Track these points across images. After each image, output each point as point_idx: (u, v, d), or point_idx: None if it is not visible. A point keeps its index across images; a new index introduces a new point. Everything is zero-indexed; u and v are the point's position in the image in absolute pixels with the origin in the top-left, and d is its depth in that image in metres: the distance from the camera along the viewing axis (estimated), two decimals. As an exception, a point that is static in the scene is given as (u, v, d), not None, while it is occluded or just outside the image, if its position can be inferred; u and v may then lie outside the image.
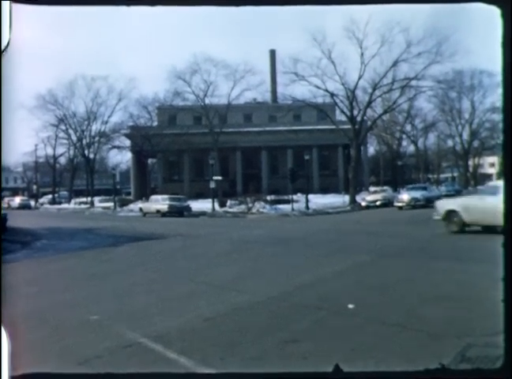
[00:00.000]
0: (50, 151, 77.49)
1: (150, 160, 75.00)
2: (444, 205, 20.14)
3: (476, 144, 79.09)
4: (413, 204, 38.61)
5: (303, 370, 5.33)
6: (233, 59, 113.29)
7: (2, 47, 3.72)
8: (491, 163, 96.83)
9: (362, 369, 5.17)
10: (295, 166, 54.85)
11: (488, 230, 16.69)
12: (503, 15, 3.87)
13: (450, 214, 19.16)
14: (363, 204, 45.03)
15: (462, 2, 4.20)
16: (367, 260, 13.48)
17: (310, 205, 43.59)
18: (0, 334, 3.94)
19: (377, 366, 5.33)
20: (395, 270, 11.81)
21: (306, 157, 48.53)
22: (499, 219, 11.75)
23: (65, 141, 76.45)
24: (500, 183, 23.17)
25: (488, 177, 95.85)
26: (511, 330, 4.03)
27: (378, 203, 44.01)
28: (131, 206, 55.52)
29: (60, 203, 75.75)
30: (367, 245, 16.91)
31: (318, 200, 48.43)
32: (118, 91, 69.55)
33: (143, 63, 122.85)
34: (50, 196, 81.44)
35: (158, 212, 41.71)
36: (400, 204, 39.13)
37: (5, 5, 3.74)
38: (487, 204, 17.01)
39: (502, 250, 3.93)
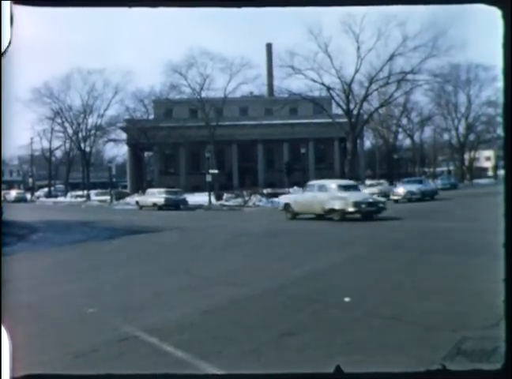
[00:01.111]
0: (46, 144, 77.44)
1: (146, 153, 74.95)
2: (282, 200, 29.11)
3: (471, 137, 79.34)
4: (409, 198, 38.64)
5: (299, 363, 5.34)
6: (229, 52, 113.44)
7: (3, 48, 3.71)
8: (486, 157, 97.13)
9: (357, 362, 5.18)
10: (292, 160, 54.98)
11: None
12: (504, 16, 3.86)
13: (286, 206, 26.67)
14: (359, 197, 45.08)
15: (463, 3, 4.19)
16: (364, 252, 13.50)
17: (307, 199, 43.54)
18: (0, 331, 3.93)
19: (372, 359, 5.35)
20: (391, 262, 11.83)
21: (303, 150, 48.59)
22: (315, 209, 22.81)
23: (61, 134, 76.41)
24: (317, 182, 27.17)
25: (484, 170, 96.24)
26: (511, 330, 4.04)
27: (374, 196, 44.03)
28: (127, 199, 55.44)
29: (56, 196, 75.64)
30: (362, 238, 16.93)
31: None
32: (114, 84, 69.48)
33: (139, 56, 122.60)
34: (46, 189, 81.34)
35: (154, 205, 41.70)
36: (395, 198, 39.14)
37: (5, 5, 3.72)
38: (307, 198, 25.29)
39: (503, 250, 3.93)
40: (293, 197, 28.53)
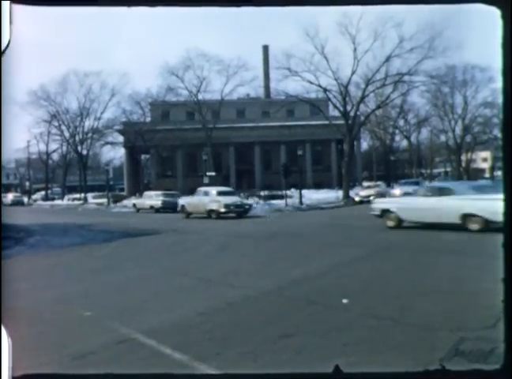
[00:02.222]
0: (42, 147, 77.22)
1: (143, 156, 74.93)
2: (180, 202, 35.20)
3: (468, 138, 79.31)
4: None
5: (297, 364, 5.35)
6: (226, 54, 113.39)
7: (2, 48, 3.70)
8: (483, 158, 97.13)
9: (355, 363, 5.19)
10: (289, 162, 54.83)
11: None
12: (503, 16, 3.87)
13: (182, 207, 33.63)
14: (357, 199, 45.04)
15: (462, 3, 4.20)
16: (360, 254, 13.51)
17: (304, 201, 43.61)
18: (0, 333, 3.93)
19: (370, 360, 5.35)
20: (388, 264, 11.85)
21: (300, 152, 48.52)
22: (200, 210, 29.73)
23: (57, 137, 76.15)
24: (203, 189, 32.99)
25: (481, 171, 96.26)
26: (511, 331, 4.04)
27: (371, 198, 43.92)
28: (124, 202, 55.39)
29: (53, 199, 75.51)
30: (359, 240, 16.95)
31: (311, 196, 48.44)
32: (110, 86, 69.22)
33: (136, 59, 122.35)
34: (43, 192, 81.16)
35: (151, 207, 41.70)
36: None
37: (5, 5, 3.72)
38: (195, 201, 32.40)
39: (503, 250, 3.93)
40: (187, 200, 34.80)
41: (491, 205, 15.17)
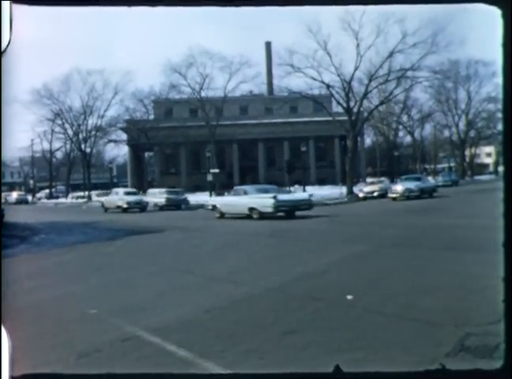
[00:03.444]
0: (46, 145, 77.29)
1: (147, 154, 74.94)
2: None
3: (472, 134, 79.23)
4: (407, 195, 37.86)
5: (302, 361, 5.34)
6: (229, 51, 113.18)
7: (2, 48, 3.70)
8: (487, 153, 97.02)
9: (360, 360, 5.18)
10: (292, 158, 54.96)
11: None
12: (504, 16, 3.85)
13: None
14: (361, 195, 44.95)
15: (462, 3, 4.18)
16: (365, 250, 13.49)
17: (308, 197, 43.49)
18: (0, 332, 3.93)
19: (375, 357, 5.35)
20: (393, 260, 11.83)
21: (303, 149, 48.56)
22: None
23: (61, 136, 76.22)
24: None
25: (485, 166, 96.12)
26: (511, 331, 4.03)
27: (375, 194, 43.92)
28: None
29: (57, 197, 75.66)
30: (363, 236, 16.93)
31: (315, 192, 48.33)
32: (113, 84, 69.16)
33: (138, 56, 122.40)
34: (47, 190, 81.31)
35: (156, 205, 41.75)
36: (394, 195, 38.52)
37: (5, 5, 3.72)
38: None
39: (503, 250, 3.92)
40: (106, 198, 44.72)
41: (263, 202, 25.56)
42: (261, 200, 25.87)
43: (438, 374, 4.27)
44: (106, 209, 41.96)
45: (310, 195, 29.83)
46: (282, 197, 26.53)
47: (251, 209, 25.95)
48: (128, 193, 42.65)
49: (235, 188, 31.69)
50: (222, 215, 28.30)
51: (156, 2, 4.05)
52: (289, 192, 32.50)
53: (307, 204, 27.54)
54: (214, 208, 29.58)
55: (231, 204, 28.02)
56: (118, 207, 40.13)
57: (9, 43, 3.69)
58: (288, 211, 26.13)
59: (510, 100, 3.91)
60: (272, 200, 25.14)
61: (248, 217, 25.95)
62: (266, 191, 27.33)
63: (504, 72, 3.88)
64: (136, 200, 41.21)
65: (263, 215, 25.26)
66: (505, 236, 3.91)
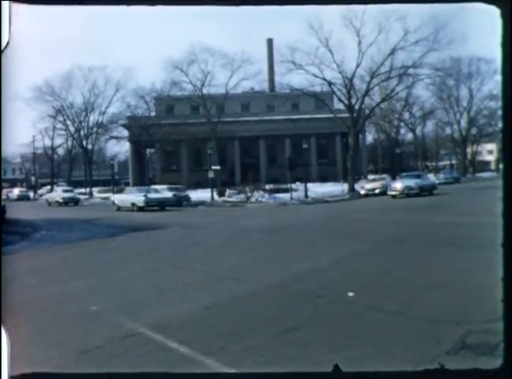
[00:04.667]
0: (48, 142, 77.25)
1: (148, 150, 74.89)
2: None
3: (474, 131, 79.14)
4: (407, 193, 37.44)
5: (303, 358, 5.35)
6: (230, 48, 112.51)
7: (2, 47, 3.70)
8: (489, 150, 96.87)
9: (362, 357, 5.19)
10: (294, 155, 54.82)
11: None
12: (503, 15, 3.84)
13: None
14: (362, 192, 44.87)
15: (461, 2, 4.16)
16: (366, 247, 13.51)
17: (309, 194, 43.55)
18: (0, 330, 3.94)
19: (377, 353, 5.36)
20: (394, 257, 11.84)
21: (305, 146, 48.43)
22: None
23: (62, 132, 76.26)
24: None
25: (486, 164, 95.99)
26: (511, 330, 4.03)
27: (376, 191, 43.81)
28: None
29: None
30: (365, 233, 16.94)
31: (316, 189, 48.38)
32: (115, 81, 69.13)
33: (140, 53, 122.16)
34: (48, 187, 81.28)
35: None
36: (393, 193, 38.16)
37: (5, 5, 3.72)
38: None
39: (502, 250, 3.92)
40: (50, 194, 55.56)
41: (138, 199, 35.52)
42: (137, 197, 35.78)
43: (437, 374, 4.27)
44: (49, 204, 49.63)
45: (174, 195, 39.73)
46: (151, 195, 36.48)
47: (132, 204, 35.49)
48: (65, 191, 51.81)
49: (126, 188, 45.19)
50: (119, 208, 36.99)
51: (156, 1, 4.04)
52: (159, 192, 39.36)
53: (172, 201, 37.60)
54: (114, 203, 39.57)
55: (122, 199, 38.08)
56: (56, 202, 49.09)
57: (8, 41, 3.69)
58: (157, 205, 35.46)
59: (509, 99, 3.90)
60: (143, 198, 35.27)
61: (131, 209, 35.02)
62: (142, 191, 37.74)
63: (503, 71, 3.88)
64: (70, 196, 50.26)
65: (140, 208, 34.66)
66: (504, 236, 3.90)
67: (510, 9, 3.80)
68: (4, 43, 3.69)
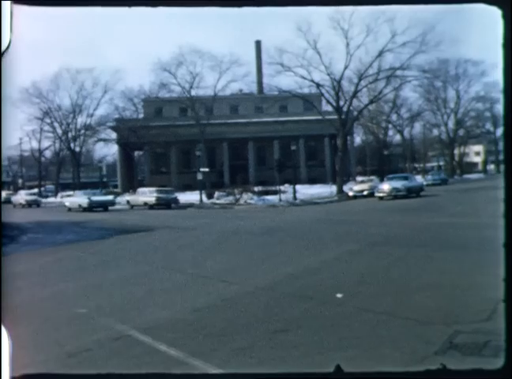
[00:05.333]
0: (35, 144, 76.85)
1: (137, 153, 74.75)
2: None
3: (461, 132, 79.69)
4: (394, 195, 37.35)
5: (293, 360, 5.36)
6: (219, 50, 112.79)
7: (3, 48, 3.69)
8: (476, 152, 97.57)
9: (352, 358, 5.21)
10: (282, 157, 54.87)
11: None
12: (504, 16, 3.86)
13: None
14: (351, 194, 44.96)
15: (463, 3, 4.19)
16: (355, 249, 13.54)
17: (298, 196, 43.64)
18: (0, 333, 3.92)
19: (367, 354, 5.38)
20: (382, 258, 11.87)
21: (293, 148, 48.47)
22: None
23: (50, 135, 75.84)
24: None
25: (474, 165, 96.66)
26: (511, 330, 4.06)
27: (365, 193, 43.89)
28: (118, 199, 55.23)
29: (46, 197, 75.19)
30: (354, 235, 16.98)
31: (305, 191, 48.47)
32: (103, 83, 68.94)
33: (128, 55, 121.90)
34: (36, 189, 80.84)
35: (145, 204, 41.67)
36: (380, 195, 38.13)
37: (6, 5, 3.70)
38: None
39: (503, 250, 3.95)
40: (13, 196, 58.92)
41: (83, 201, 40.69)
42: (83, 199, 41.00)
43: (438, 374, 4.30)
44: (14, 205, 54.00)
45: (115, 197, 47.85)
46: (94, 198, 41.52)
47: (79, 205, 40.81)
48: (28, 194, 57.68)
49: (75, 192, 51.00)
50: (69, 209, 41.91)
51: (145, 3, 4.04)
52: (102, 195, 45.85)
53: (112, 203, 42.78)
54: (65, 205, 44.01)
55: (71, 201, 43.21)
56: (26, 201, 53.92)
57: (9, 43, 3.68)
58: (100, 206, 40.77)
59: (510, 100, 3.93)
60: (87, 200, 40.44)
61: (79, 210, 39.87)
62: (87, 194, 42.49)
63: (504, 72, 3.90)
64: (32, 199, 55.62)
65: (84, 209, 39.94)
66: (505, 237, 3.93)
67: (511, 9, 3.82)
68: (5, 44, 3.67)
